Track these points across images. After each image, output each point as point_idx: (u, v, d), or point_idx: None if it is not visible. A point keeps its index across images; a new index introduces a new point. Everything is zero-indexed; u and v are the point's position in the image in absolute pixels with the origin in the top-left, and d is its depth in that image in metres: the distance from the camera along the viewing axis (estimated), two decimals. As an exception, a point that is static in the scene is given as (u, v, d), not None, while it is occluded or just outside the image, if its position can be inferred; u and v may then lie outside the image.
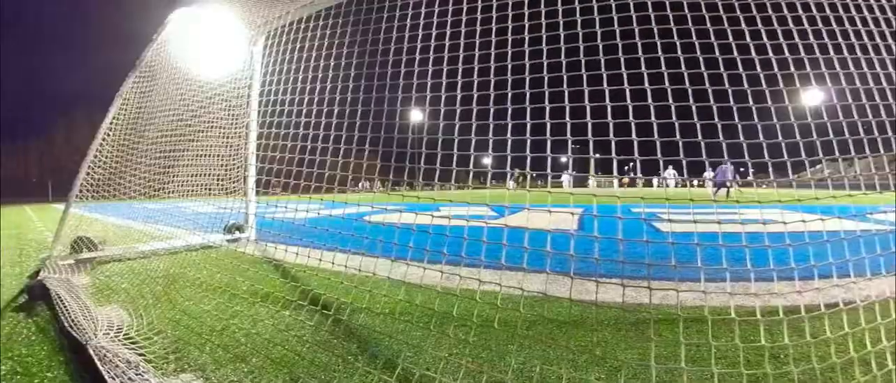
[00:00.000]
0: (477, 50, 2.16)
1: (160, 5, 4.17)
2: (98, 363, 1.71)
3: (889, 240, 1.69)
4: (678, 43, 1.80)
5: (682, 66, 1.76)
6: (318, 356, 1.90)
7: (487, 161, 2.13)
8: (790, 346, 1.82)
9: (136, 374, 1.61)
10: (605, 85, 1.83)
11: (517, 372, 1.74)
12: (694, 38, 1.80)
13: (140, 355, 1.87)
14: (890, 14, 1.84)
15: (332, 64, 2.70)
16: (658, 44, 1.83)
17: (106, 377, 1.60)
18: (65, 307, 2.39)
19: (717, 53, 1.78)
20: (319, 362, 1.84)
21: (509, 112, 1.99)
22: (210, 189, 4.25)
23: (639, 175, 1.91)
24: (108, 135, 3.98)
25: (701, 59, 1.77)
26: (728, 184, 15.46)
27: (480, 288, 2.41)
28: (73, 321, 2.18)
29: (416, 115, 2.57)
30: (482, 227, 1.99)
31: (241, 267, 3.77)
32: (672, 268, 1.58)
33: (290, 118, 2.78)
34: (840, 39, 1.79)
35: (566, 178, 22.25)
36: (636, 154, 1.75)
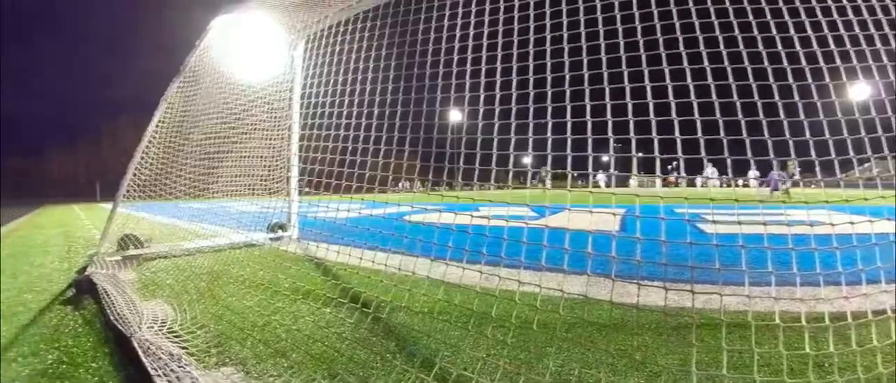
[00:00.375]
0: (515, 48, 2.15)
1: (201, 12, 4.31)
2: (141, 355, 1.75)
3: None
4: (720, 37, 1.75)
5: (725, 61, 1.71)
6: (356, 353, 1.92)
7: (527, 160, 2.11)
8: (835, 355, 1.73)
9: (179, 366, 1.65)
10: (646, 81, 1.79)
11: (555, 375, 1.72)
12: (737, 31, 1.74)
13: (183, 348, 1.91)
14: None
15: (372, 65, 2.74)
16: (700, 38, 1.78)
17: (149, 368, 1.64)
18: (111, 301, 2.48)
19: (761, 47, 1.72)
20: (358, 359, 1.86)
21: (549, 110, 1.97)
22: (253, 189, 4.39)
23: (682, 174, 1.86)
24: (154, 137, 4.14)
25: (744, 54, 1.71)
26: (783, 184, 14.79)
27: (520, 289, 2.40)
28: (118, 314, 2.26)
29: (456, 115, 2.58)
30: (522, 228, 1.97)
31: (284, 264, 3.85)
32: (716, 270, 1.53)
33: (331, 120, 2.84)
34: (887, 29, 1.69)
35: (602, 177, 21.89)
36: (680, 152, 1.70)
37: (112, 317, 2.24)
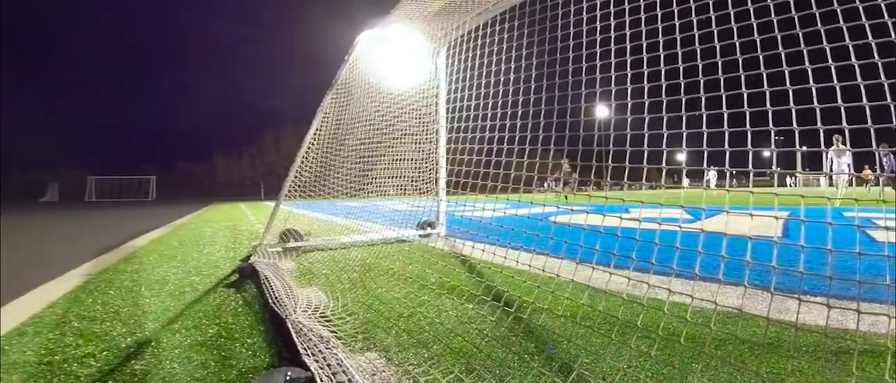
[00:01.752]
0: (661, 35, 2.00)
1: (347, 27, 4.75)
2: (294, 335, 1.89)
3: None
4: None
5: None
6: (495, 350, 1.93)
7: (682, 157, 1.93)
8: None
9: (326, 348, 1.75)
10: (806, 63, 1.53)
11: (699, 395, 1.56)
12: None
13: (332, 332, 2.04)
14: None
15: (513, 66, 2.76)
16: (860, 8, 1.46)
17: (299, 347, 1.75)
18: (270, 286, 2.73)
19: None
20: (496, 356, 1.86)
21: (703, 102, 1.79)
22: (404, 189, 4.72)
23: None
24: (313, 143, 4.65)
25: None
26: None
27: (669, 298, 2.22)
28: (275, 298, 2.48)
29: (603, 111, 2.48)
30: (675, 231, 1.81)
31: (431, 260, 4.01)
32: (886, 287, 1.23)
33: (476, 122, 2.92)
34: None
35: (712, 175, 17.72)
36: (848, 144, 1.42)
37: (270, 300, 2.46)
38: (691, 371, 1.73)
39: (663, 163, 1.89)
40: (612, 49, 2.16)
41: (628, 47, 2.11)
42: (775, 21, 1.67)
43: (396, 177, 4.63)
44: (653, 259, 1.75)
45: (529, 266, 2.30)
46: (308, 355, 1.67)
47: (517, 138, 2.54)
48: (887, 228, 1.68)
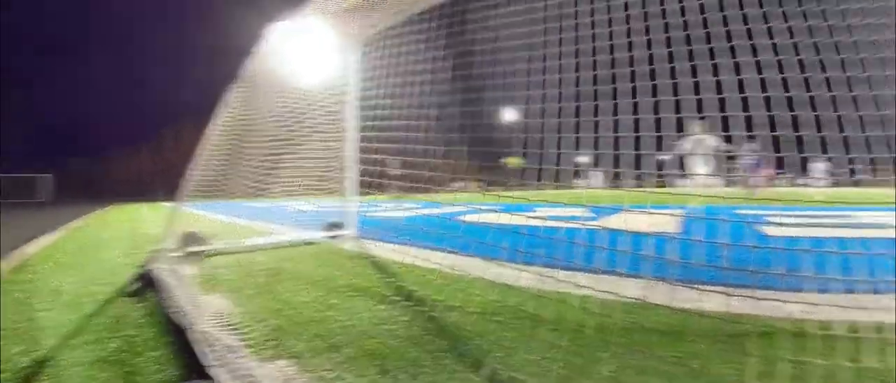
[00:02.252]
0: (560, 45, 2.11)
1: (257, 19, 4.52)
2: (199, 345, 1.81)
3: None
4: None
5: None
6: (409, 350, 1.93)
7: (585, 159, 2.05)
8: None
9: (235, 358, 1.70)
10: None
11: (609, 380, 1.67)
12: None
13: (240, 340, 1.97)
14: None
15: (426, 67, 2.77)
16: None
17: (206, 358, 1.68)
18: (172, 294, 2.59)
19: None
20: (409, 356, 1.87)
21: (614, 107, 1.92)
22: (311, 189, 4.55)
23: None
24: (215, 140, 4.36)
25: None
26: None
27: (575, 291, 2.35)
28: (178, 307, 2.34)
29: (510, 114, 2.56)
30: (578, 229, 1.93)
31: (341, 262, 3.91)
32: (778, 276, 1.43)
33: (387, 121, 2.89)
34: None
35: (596, 176, 18.77)
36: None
37: (172, 309, 2.34)
38: (600, 359, 1.83)
39: (560, 164, 2.00)
40: (526, 55, 2.24)
41: (542, 54, 2.20)
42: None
43: (304, 177, 4.48)
44: (557, 254, 1.86)
45: (440, 265, 2.33)
46: (216, 366, 1.61)
47: (428, 138, 2.56)
48: (780, 224, 1.91)
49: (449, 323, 2.26)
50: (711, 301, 2.48)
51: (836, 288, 2.01)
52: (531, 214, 1.97)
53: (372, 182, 3.11)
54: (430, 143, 2.54)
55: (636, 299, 2.42)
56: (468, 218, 6.11)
